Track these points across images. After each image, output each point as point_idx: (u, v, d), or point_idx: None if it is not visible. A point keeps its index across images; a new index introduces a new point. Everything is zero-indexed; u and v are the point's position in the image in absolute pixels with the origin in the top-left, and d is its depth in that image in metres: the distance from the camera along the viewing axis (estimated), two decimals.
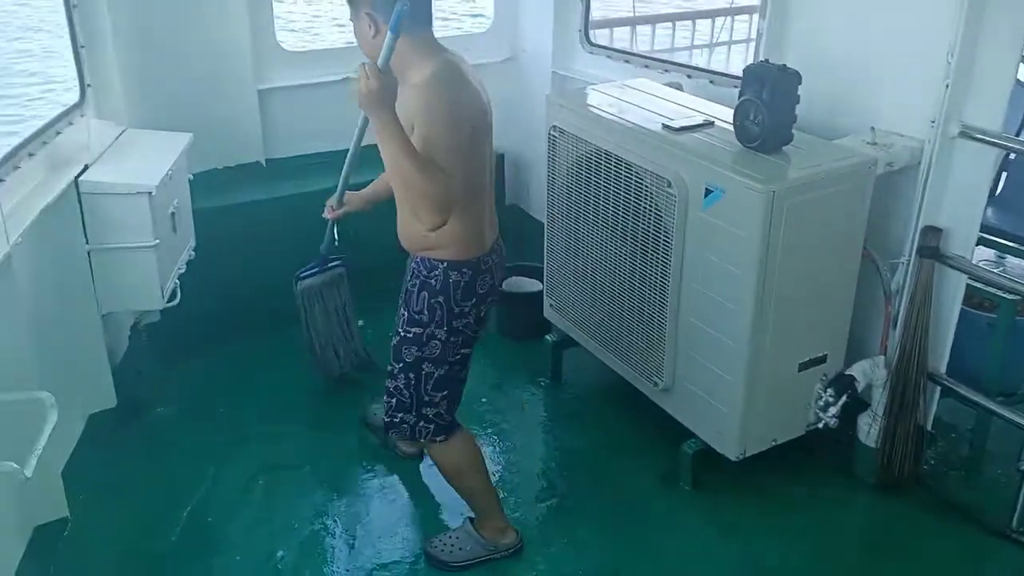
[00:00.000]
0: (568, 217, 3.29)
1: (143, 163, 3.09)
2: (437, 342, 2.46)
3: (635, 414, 3.27)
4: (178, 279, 3.25)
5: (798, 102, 2.67)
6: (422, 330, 2.45)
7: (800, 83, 2.65)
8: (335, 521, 2.90)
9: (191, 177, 3.48)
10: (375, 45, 2.20)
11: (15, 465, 2.03)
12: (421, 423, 2.56)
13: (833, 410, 2.85)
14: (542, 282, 3.64)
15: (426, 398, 2.52)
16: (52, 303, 2.81)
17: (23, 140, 2.77)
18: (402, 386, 2.53)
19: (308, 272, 3.39)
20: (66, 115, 3.10)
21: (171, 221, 3.16)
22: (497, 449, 3.28)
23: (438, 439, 2.59)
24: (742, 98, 2.72)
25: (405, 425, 2.58)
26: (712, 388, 2.83)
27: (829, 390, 2.87)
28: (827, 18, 3.05)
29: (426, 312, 2.43)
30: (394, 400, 2.56)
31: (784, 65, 2.68)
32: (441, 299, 2.41)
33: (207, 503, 2.94)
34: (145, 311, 3.51)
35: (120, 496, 2.95)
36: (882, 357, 2.94)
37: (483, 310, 2.51)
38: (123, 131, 3.34)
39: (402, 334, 2.49)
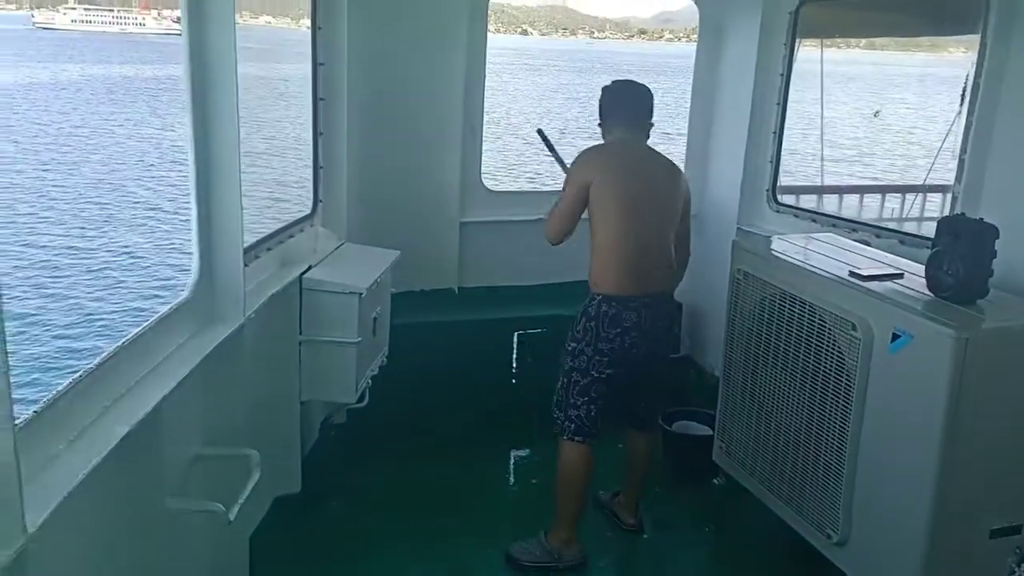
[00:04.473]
0: (746, 358, 3.32)
1: (357, 269, 3.43)
2: (585, 357, 3.10)
3: (805, 569, 3.12)
4: (370, 380, 3.49)
5: (995, 256, 2.65)
6: (576, 345, 3.12)
7: (997, 237, 2.64)
8: None
9: (393, 291, 3.80)
10: None
11: (221, 507, 2.22)
12: (566, 422, 3.16)
13: None
14: (712, 429, 3.63)
15: (571, 400, 3.14)
16: (263, 382, 3.09)
17: (264, 236, 3.17)
18: (559, 387, 3.19)
19: None
20: (299, 223, 3.53)
21: (373, 324, 3.45)
22: None
23: (576, 439, 3.14)
24: (935, 248, 2.73)
25: (557, 420, 3.19)
26: (891, 546, 2.70)
27: (1023, 566, 2.66)
28: None
29: (581, 331, 3.10)
30: (555, 398, 3.20)
31: (981, 219, 2.69)
32: (593, 324, 3.07)
33: None
34: (336, 408, 3.76)
35: None
36: None
37: (627, 340, 3.07)
38: (342, 243, 3.74)
39: (566, 347, 3.16)
